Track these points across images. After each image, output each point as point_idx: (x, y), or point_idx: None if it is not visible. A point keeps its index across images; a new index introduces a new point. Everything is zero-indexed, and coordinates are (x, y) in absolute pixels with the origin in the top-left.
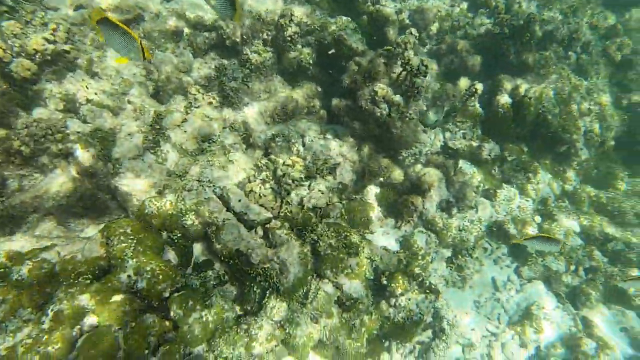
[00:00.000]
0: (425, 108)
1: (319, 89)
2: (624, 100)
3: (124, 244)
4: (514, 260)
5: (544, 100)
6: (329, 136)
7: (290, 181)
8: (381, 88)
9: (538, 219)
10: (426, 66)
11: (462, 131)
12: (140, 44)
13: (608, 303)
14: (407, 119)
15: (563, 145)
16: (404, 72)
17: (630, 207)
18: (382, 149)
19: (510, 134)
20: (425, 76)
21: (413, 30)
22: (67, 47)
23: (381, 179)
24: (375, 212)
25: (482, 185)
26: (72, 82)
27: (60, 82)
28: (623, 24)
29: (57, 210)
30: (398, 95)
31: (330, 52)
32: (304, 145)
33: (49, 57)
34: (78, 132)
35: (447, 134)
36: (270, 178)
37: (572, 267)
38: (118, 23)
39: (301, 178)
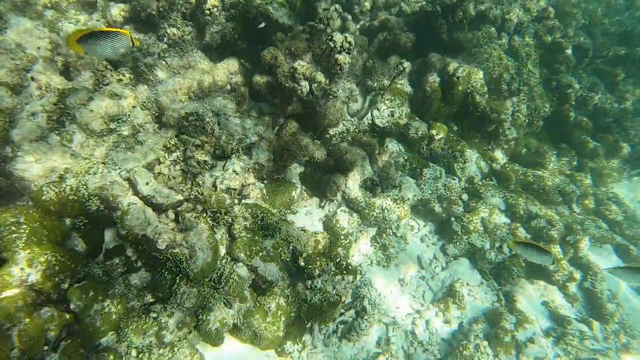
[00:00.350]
0: (355, 86)
1: (246, 65)
2: (553, 82)
3: (14, 235)
4: (440, 238)
5: (473, 80)
6: (245, 115)
7: (195, 164)
8: (301, 65)
9: (465, 197)
10: (350, 43)
11: (389, 109)
12: (131, 36)
13: (530, 278)
14: (331, 97)
15: (491, 124)
16: (327, 49)
17: (555, 185)
18: (308, 128)
19: (438, 113)
20: (349, 53)
21: (337, 6)
22: None
23: (306, 157)
24: (298, 192)
25: (408, 164)
26: None
27: None
28: (555, 7)
29: None
30: (320, 73)
31: (259, 26)
32: (219, 124)
33: None
34: None
35: (375, 112)
36: (181, 159)
37: (497, 244)
38: (102, 29)
39: (205, 162)
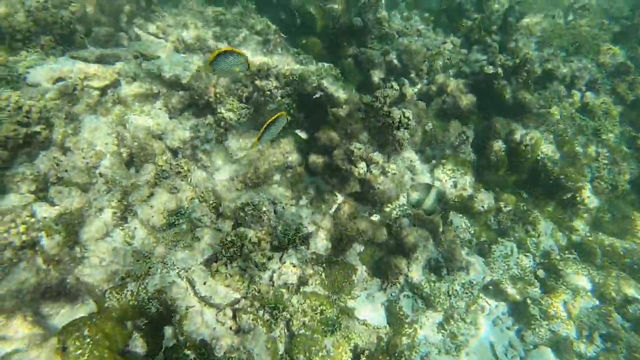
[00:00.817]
0: (414, 155)
1: (302, 136)
2: (638, 141)
3: (79, 350)
4: (515, 322)
5: (542, 146)
6: (302, 202)
7: (253, 266)
8: (357, 148)
9: (541, 273)
10: (408, 118)
11: (452, 179)
12: (246, 59)
13: None
14: (389, 174)
15: (567, 192)
16: (384, 124)
17: None
18: (365, 203)
19: (506, 181)
20: (407, 129)
21: (394, 84)
22: (39, 128)
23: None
24: (358, 274)
25: (474, 240)
26: (43, 162)
27: (32, 163)
28: (634, 60)
29: (22, 306)
30: (377, 153)
31: (315, 96)
32: (275, 212)
33: (21, 142)
34: (45, 218)
35: (437, 183)
36: (238, 254)
37: (585, 333)
38: (223, 50)
39: (263, 264)
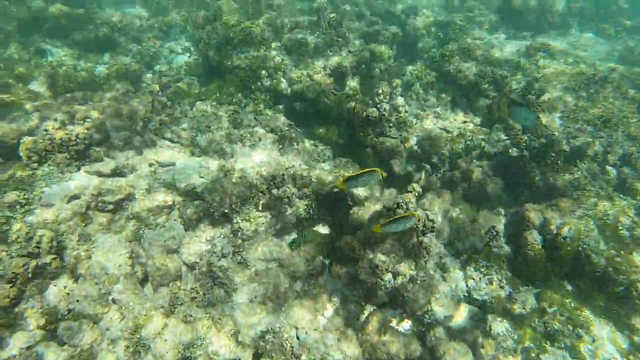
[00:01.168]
0: (443, 249)
1: (323, 230)
2: None
3: None
4: None
5: (583, 236)
6: (327, 314)
7: None
8: (381, 261)
9: None
10: (432, 221)
11: (487, 277)
12: (381, 172)
13: None
14: (419, 281)
15: (618, 285)
16: (410, 230)
17: None
18: (395, 307)
19: (546, 274)
20: (432, 232)
21: (415, 185)
22: (49, 259)
23: None
24: None
25: (519, 347)
26: (53, 292)
27: (42, 295)
28: None
29: None
30: (403, 264)
31: (335, 190)
32: (298, 338)
33: (30, 276)
34: None
35: (470, 282)
36: None
37: None
38: (357, 173)
39: None
